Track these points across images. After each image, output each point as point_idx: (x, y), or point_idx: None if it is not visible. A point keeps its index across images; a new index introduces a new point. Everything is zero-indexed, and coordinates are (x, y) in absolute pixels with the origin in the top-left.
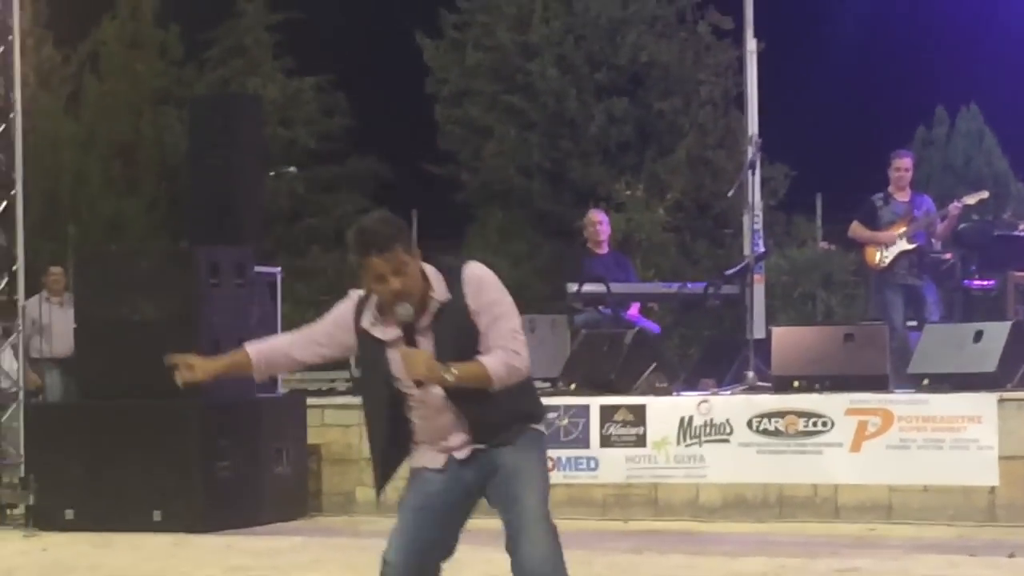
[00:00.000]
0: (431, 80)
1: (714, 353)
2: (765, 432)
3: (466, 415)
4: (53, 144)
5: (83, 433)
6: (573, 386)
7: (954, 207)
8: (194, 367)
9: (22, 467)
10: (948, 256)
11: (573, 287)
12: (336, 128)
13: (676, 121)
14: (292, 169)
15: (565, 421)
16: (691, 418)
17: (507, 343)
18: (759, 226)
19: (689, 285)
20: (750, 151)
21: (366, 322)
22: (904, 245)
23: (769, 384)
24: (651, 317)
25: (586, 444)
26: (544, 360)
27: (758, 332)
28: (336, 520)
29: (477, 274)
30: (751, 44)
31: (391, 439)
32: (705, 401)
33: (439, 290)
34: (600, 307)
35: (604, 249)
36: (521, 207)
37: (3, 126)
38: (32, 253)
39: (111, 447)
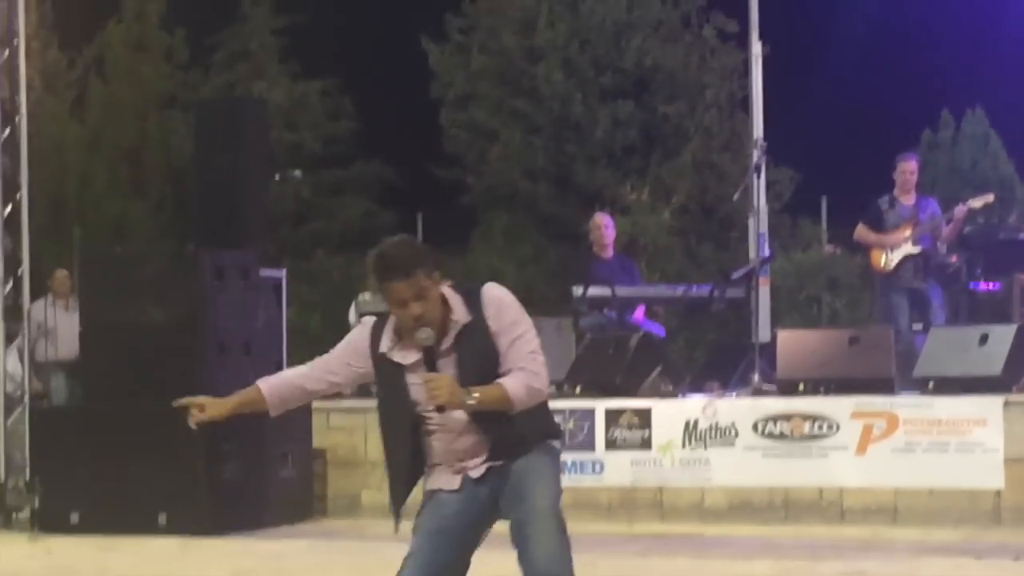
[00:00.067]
0: (436, 84)
1: (719, 356)
2: (770, 435)
3: (486, 436)
4: (58, 147)
5: (88, 436)
6: (578, 389)
7: (959, 210)
8: (205, 408)
9: (27, 470)
10: (953, 259)
11: (578, 290)
12: (342, 132)
13: (681, 125)
14: (297, 173)
15: (570, 424)
16: (696, 421)
17: (527, 364)
18: (764, 229)
19: (694, 288)
20: (755, 154)
21: (384, 347)
22: (909, 248)
23: (774, 387)
24: (656, 320)
25: (591, 447)
26: (549, 363)
27: (763, 335)
28: (341, 523)
29: (497, 295)
30: (756, 48)
31: (411, 464)
32: (710, 404)
33: (459, 312)
34: (605, 310)
35: (609, 253)
36: (526, 211)
37: (8, 129)
38: (37, 256)
39: (116, 450)
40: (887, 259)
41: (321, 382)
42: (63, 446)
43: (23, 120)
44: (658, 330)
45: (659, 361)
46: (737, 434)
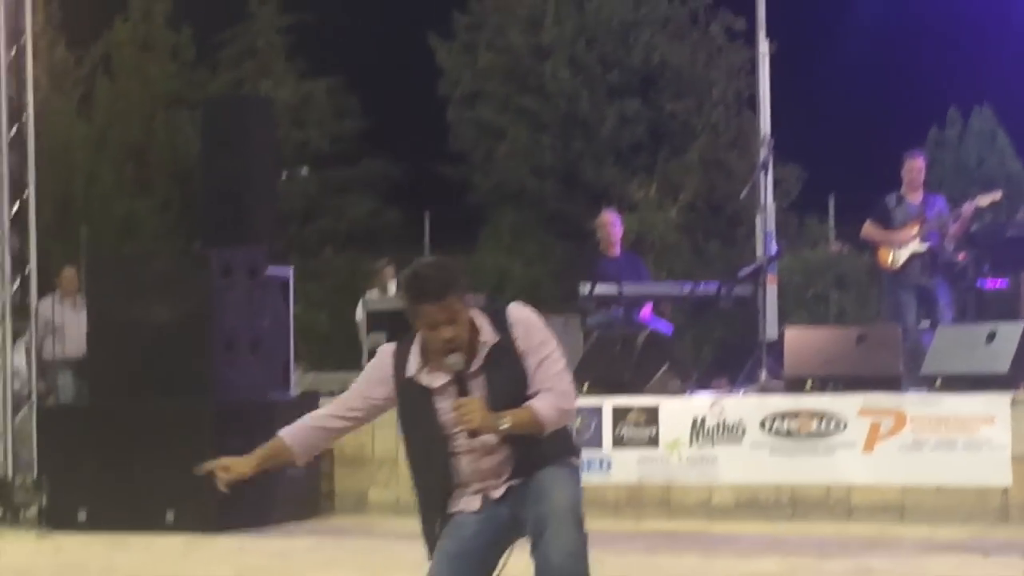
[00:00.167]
0: (443, 81)
1: (727, 354)
2: (778, 433)
3: (511, 455)
4: (65, 146)
5: (96, 434)
6: (585, 387)
7: (967, 208)
8: (230, 468)
9: (35, 468)
10: (961, 257)
11: (586, 288)
12: (349, 129)
13: (688, 122)
14: (304, 170)
15: (577, 422)
16: (704, 419)
17: (555, 385)
18: (771, 227)
19: (701, 286)
20: (762, 152)
21: (411, 370)
22: (917, 246)
23: (782, 384)
24: (664, 318)
25: (599, 445)
26: None
27: (771, 333)
28: (349, 521)
29: (524, 315)
30: (763, 45)
31: (444, 488)
32: (718, 402)
33: (486, 332)
34: (613, 308)
35: (617, 250)
36: (533, 208)
37: (16, 128)
38: (44, 254)
39: (124, 448)
40: (894, 257)
41: (342, 420)
42: (70, 444)
43: (30, 119)
44: (666, 328)
45: (666, 358)
46: (744, 432)
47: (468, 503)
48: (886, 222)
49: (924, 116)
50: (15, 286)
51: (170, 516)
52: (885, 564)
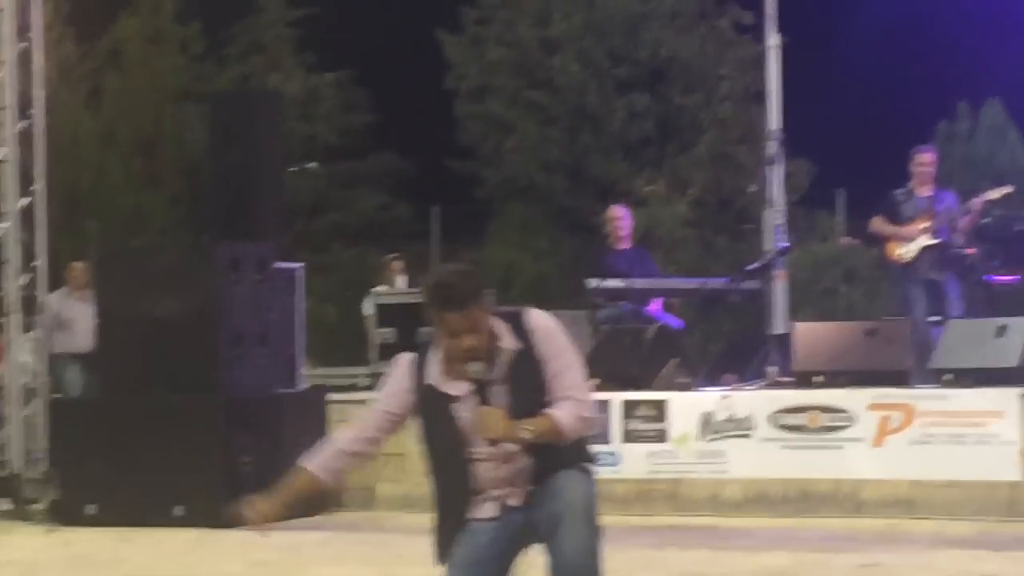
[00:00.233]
0: (452, 75)
1: (736, 348)
2: (787, 427)
3: (529, 463)
4: (74, 140)
5: (105, 428)
6: (595, 381)
7: (977, 202)
8: (259, 508)
9: (44, 462)
10: (970, 251)
11: (594, 283)
12: (357, 124)
13: (697, 117)
14: (313, 165)
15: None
16: (713, 413)
17: (575, 394)
18: (780, 221)
19: (711, 280)
20: (771, 146)
21: (432, 378)
22: (926, 240)
23: (791, 379)
24: (673, 312)
25: (607, 439)
26: None
27: (780, 327)
28: (358, 516)
29: (544, 322)
30: (772, 39)
31: (464, 499)
32: (727, 396)
33: (506, 339)
34: (621, 303)
35: (625, 245)
36: (542, 203)
37: (24, 123)
38: (53, 249)
39: (133, 442)
40: (904, 251)
41: (367, 444)
42: (80, 438)
43: (39, 113)
44: (675, 322)
45: (675, 353)
46: (754, 426)
47: (484, 510)
48: (896, 216)
49: (934, 110)
50: (24, 280)
51: (179, 511)
52: (894, 558)
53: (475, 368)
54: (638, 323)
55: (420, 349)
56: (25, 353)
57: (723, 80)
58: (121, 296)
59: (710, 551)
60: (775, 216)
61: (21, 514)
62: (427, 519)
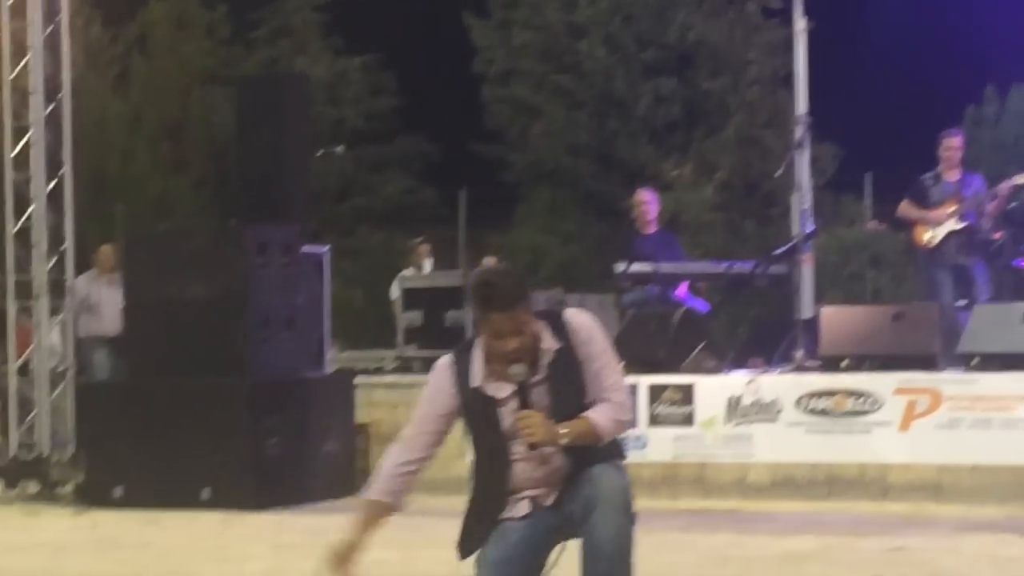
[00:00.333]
0: (478, 60)
1: (762, 332)
2: (813, 411)
3: (565, 463)
4: (101, 124)
5: (132, 411)
6: (621, 365)
7: (1004, 187)
8: (340, 554)
9: (72, 445)
10: (998, 236)
11: (621, 266)
12: (384, 107)
13: (724, 101)
14: (340, 148)
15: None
16: (739, 397)
17: (613, 395)
18: (807, 205)
19: (737, 264)
20: (799, 130)
21: (476, 380)
22: (954, 225)
23: (818, 363)
24: (699, 296)
25: (634, 423)
26: None
27: (807, 312)
28: None
29: (584, 322)
30: (800, 23)
31: (501, 500)
32: (753, 380)
33: (547, 339)
34: (648, 286)
35: (652, 229)
36: (569, 187)
37: (52, 106)
38: (80, 232)
39: (160, 425)
40: (931, 235)
41: (420, 463)
42: (107, 421)
43: (66, 97)
44: (701, 306)
45: (702, 337)
46: (780, 410)
47: (516, 509)
48: (923, 201)
49: (961, 94)
50: (51, 263)
51: (206, 493)
52: (921, 542)
53: (517, 371)
54: (665, 307)
55: (460, 349)
56: (53, 336)
57: (750, 64)
58: (148, 279)
59: (736, 535)
60: (802, 200)
61: (49, 497)
62: (452, 502)
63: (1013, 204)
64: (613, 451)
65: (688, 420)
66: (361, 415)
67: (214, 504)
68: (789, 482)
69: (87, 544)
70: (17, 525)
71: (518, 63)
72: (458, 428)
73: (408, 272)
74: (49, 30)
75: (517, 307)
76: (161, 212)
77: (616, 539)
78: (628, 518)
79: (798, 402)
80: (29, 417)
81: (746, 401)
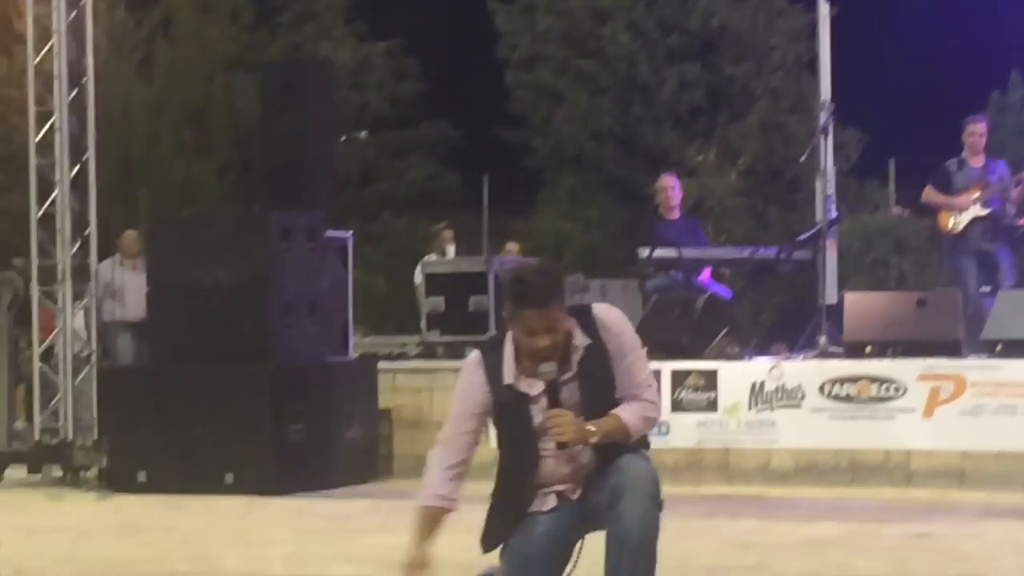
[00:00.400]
0: (502, 45)
1: (786, 318)
2: (837, 397)
3: (594, 461)
4: (125, 109)
5: (156, 396)
6: (644, 351)
7: None
8: (415, 566)
9: (95, 430)
10: (1022, 221)
11: (645, 252)
12: (407, 92)
13: (748, 86)
14: (363, 134)
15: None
16: (763, 383)
17: (642, 392)
18: (831, 191)
19: (761, 250)
20: (822, 116)
21: (508, 378)
22: (978, 211)
23: (841, 349)
24: (723, 282)
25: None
26: None
27: (830, 297)
28: (407, 483)
29: (614, 317)
30: (824, 8)
31: (528, 497)
32: (777, 366)
33: (577, 336)
34: (672, 272)
35: (676, 214)
36: (592, 172)
37: (76, 91)
38: (104, 217)
39: (184, 410)
40: (955, 221)
41: (461, 464)
42: (131, 406)
43: (90, 82)
44: (725, 292)
45: (725, 323)
46: (803, 396)
47: (543, 503)
48: (947, 187)
49: (986, 80)
50: (75, 248)
51: (229, 478)
52: (944, 529)
53: (547, 368)
54: (688, 293)
55: (488, 345)
56: (76, 321)
57: (774, 50)
58: (172, 264)
59: (759, 521)
60: (826, 186)
61: (72, 481)
62: (474, 488)
63: None
64: (639, 442)
65: (711, 406)
66: (384, 400)
67: (237, 489)
68: (812, 468)
69: (110, 529)
70: (41, 509)
71: (542, 48)
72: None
73: (431, 257)
74: (73, 15)
75: (551, 305)
76: (185, 197)
77: (643, 526)
78: (655, 505)
79: (821, 388)
80: (53, 402)
81: (769, 387)
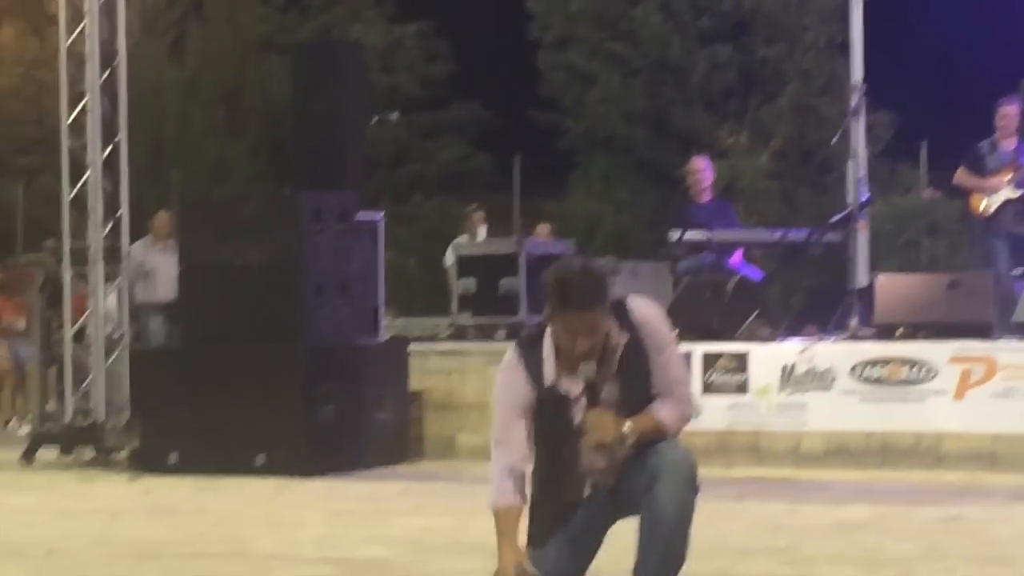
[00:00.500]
0: (534, 26)
1: (817, 301)
2: (868, 380)
3: (630, 456)
4: (157, 90)
5: (187, 377)
6: (675, 333)
7: None
8: (517, 571)
9: (127, 411)
10: None
11: (676, 234)
12: (438, 74)
13: (780, 68)
14: (394, 115)
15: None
16: (794, 365)
17: (677, 389)
18: (863, 173)
19: (792, 232)
20: (854, 98)
21: (550, 378)
22: (1009, 193)
23: (872, 332)
24: (754, 264)
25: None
26: None
27: (861, 280)
28: (438, 465)
29: (652, 312)
30: None
31: (572, 495)
32: (808, 348)
33: (615, 333)
34: (703, 254)
35: (707, 196)
36: (624, 154)
37: (108, 72)
38: (136, 198)
39: (215, 391)
40: (987, 203)
41: (523, 462)
42: (162, 387)
43: (122, 63)
44: (756, 274)
45: (756, 305)
46: (834, 378)
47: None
48: (979, 169)
49: (1018, 62)
50: (107, 230)
51: (260, 460)
52: (975, 512)
53: (587, 370)
54: (719, 275)
55: (526, 344)
56: (108, 303)
57: (806, 31)
58: (204, 246)
59: (790, 503)
60: (857, 168)
61: (104, 463)
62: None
63: None
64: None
65: (742, 388)
66: (415, 382)
67: (268, 470)
68: (843, 451)
69: (141, 510)
70: (72, 491)
71: (574, 30)
72: None
73: (462, 239)
74: None
75: (595, 308)
76: (217, 178)
77: (678, 509)
78: (691, 490)
79: (852, 370)
80: (84, 383)
81: (800, 369)
